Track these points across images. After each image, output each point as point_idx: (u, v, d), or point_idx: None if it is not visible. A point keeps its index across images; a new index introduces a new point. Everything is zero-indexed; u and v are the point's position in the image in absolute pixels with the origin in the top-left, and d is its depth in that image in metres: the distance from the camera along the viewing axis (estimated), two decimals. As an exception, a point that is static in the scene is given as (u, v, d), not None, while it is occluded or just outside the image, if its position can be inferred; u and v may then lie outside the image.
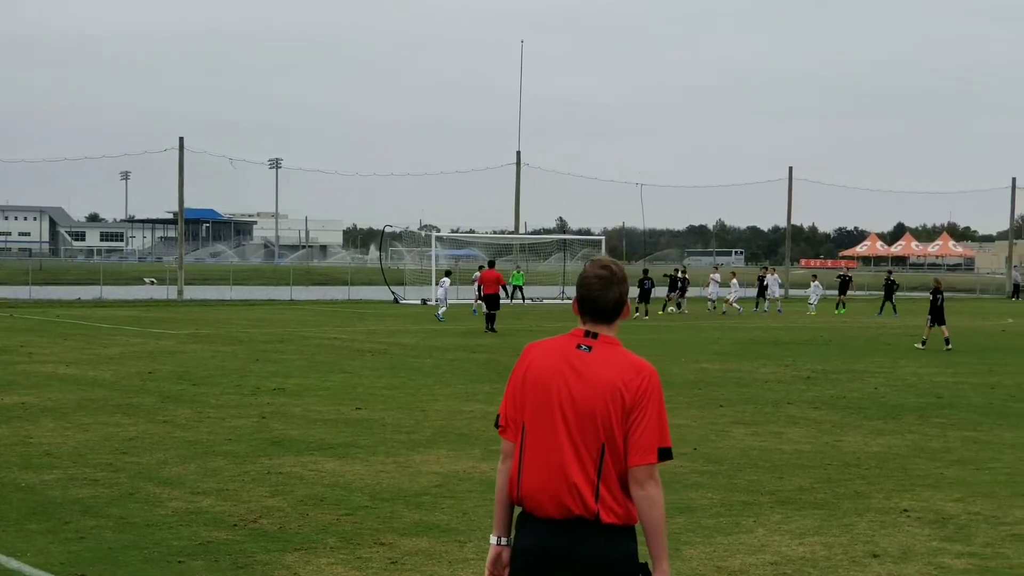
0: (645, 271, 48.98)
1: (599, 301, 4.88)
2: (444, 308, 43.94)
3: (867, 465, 13.70)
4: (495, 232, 78.57)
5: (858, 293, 76.49)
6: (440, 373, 23.58)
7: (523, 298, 61.12)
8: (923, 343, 32.12)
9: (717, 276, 55.40)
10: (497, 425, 5.04)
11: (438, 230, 73.89)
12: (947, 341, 31.91)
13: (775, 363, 26.71)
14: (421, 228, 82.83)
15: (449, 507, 11.21)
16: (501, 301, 39.99)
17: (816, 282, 55.99)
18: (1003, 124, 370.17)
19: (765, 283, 54.96)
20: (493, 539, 5.09)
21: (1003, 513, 11.19)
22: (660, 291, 52.83)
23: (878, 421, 17.41)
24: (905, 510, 11.28)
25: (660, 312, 50.26)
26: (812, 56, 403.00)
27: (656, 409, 4.78)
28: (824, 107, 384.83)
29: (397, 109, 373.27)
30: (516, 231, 70.28)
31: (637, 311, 46.31)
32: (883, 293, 53.92)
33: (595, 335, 4.88)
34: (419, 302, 57.02)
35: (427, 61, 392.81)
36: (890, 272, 58.23)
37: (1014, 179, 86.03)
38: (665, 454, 4.79)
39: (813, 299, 55.29)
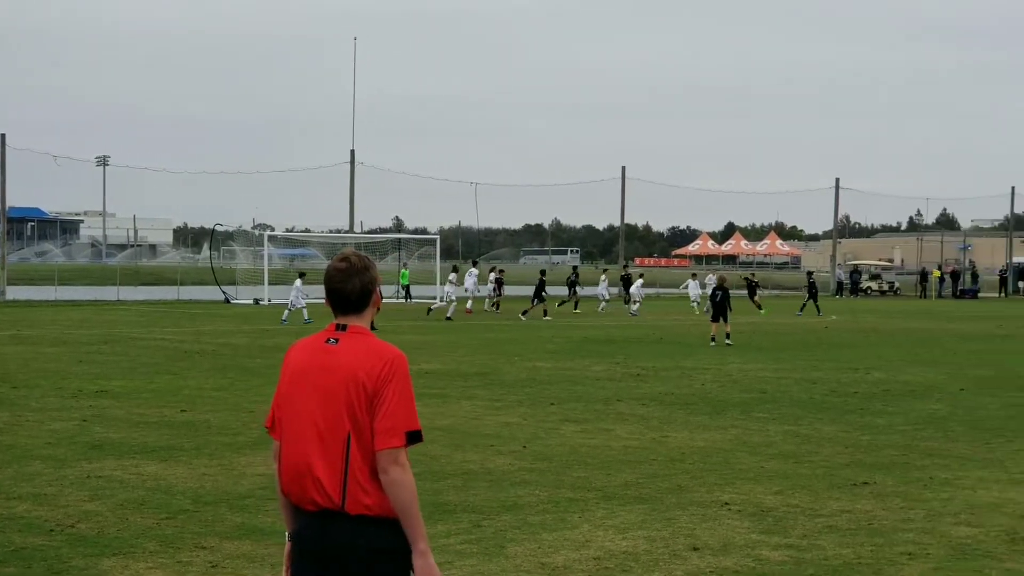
0: (542, 271, 49.97)
1: (341, 292, 5.00)
2: (292, 310, 42.91)
3: (691, 460, 13.93)
4: (330, 231, 77.77)
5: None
6: (270, 373, 23.26)
7: (408, 297, 60.74)
8: (713, 339, 32.88)
9: (604, 278, 55.89)
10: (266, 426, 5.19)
11: (272, 229, 73.05)
12: (727, 336, 32.86)
13: (607, 361, 27.01)
14: (254, 227, 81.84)
15: (273, 510, 11.04)
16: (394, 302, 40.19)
17: (694, 280, 57.18)
18: (828, 126, 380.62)
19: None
20: (286, 536, 5.16)
21: (820, 505, 11.47)
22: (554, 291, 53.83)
23: (703, 417, 17.72)
24: (726, 503, 11.49)
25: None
26: (645, 57, 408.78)
27: (399, 392, 4.83)
28: (657, 108, 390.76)
29: (230, 106, 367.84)
30: (351, 230, 69.80)
31: (546, 313, 46.93)
32: (806, 292, 54.91)
33: (344, 327, 5.00)
34: (251, 302, 56.31)
35: (260, 58, 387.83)
36: (811, 273, 59.10)
37: (838, 180, 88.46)
38: (413, 437, 4.85)
39: (694, 296, 56.36)
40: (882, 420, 17.52)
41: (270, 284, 57.86)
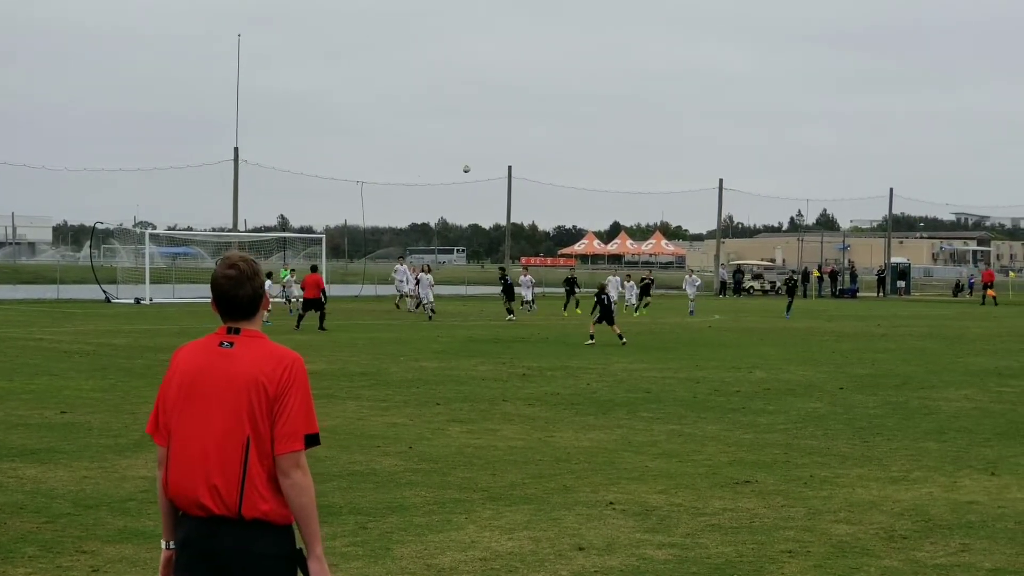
0: (502, 269, 50.81)
1: (233, 300, 4.97)
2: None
3: (577, 460, 14.01)
4: (214, 230, 76.84)
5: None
6: (152, 374, 22.92)
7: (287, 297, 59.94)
8: (591, 338, 33.12)
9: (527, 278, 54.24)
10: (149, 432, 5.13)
11: (154, 227, 71.96)
12: (620, 336, 33.15)
13: (493, 361, 27.05)
14: (136, 225, 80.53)
15: (155, 513, 10.86)
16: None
17: (631, 282, 56.46)
18: (711, 127, 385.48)
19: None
20: (163, 543, 5.11)
21: (703, 504, 11.61)
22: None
23: (589, 416, 17.83)
24: (611, 503, 11.58)
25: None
26: (531, 57, 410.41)
27: (300, 397, 4.82)
28: (543, 109, 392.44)
29: (111, 102, 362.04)
30: (235, 229, 69.03)
31: (510, 312, 46.21)
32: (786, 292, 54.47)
33: (237, 331, 4.97)
34: (132, 301, 55.47)
35: (143, 54, 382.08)
36: (793, 272, 59.86)
37: (721, 180, 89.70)
38: (312, 440, 4.84)
39: (630, 297, 55.83)
40: (764, 419, 17.79)
41: (152, 283, 57.02)
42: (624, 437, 15.86)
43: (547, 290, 75.86)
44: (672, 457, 14.32)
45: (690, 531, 10.47)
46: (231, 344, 4.92)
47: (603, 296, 33.64)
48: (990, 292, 72.18)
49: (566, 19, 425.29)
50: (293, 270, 54.45)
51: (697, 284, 56.95)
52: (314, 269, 41.85)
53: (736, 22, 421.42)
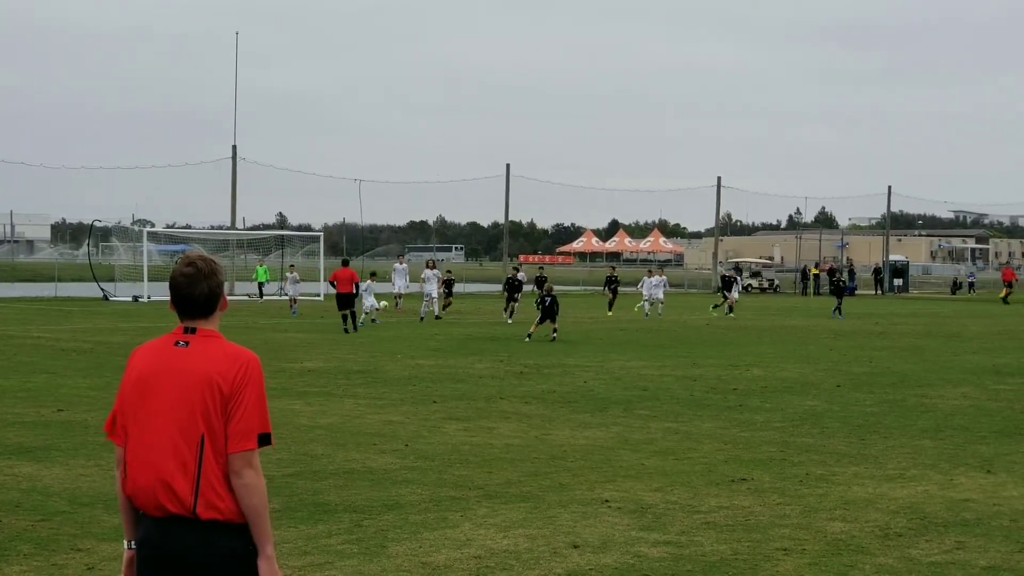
0: (516, 269, 49.26)
1: (188, 299, 4.97)
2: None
3: (573, 457, 14.01)
4: (213, 228, 76.84)
5: (574, 288, 78.28)
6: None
7: (261, 294, 60.00)
8: (529, 336, 33.53)
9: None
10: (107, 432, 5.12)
11: (152, 225, 71.99)
12: (554, 331, 34.05)
13: (490, 359, 27.05)
14: (134, 223, 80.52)
15: (151, 510, 10.90)
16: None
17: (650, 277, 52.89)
18: (710, 124, 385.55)
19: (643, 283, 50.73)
20: (125, 544, 5.12)
21: (699, 502, 11.61)
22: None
23: (585, 414, 17.83)
24: (606, 501, 11.58)
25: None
26: (531, 56, 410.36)
27: (254, 396, 4.82)
28: (542, 106, 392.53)
29: (110, 100, 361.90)
30: (233, 227, 69.02)
31: (507, 311, 44.74)
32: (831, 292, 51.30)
33: (194, 330, 4.97)
34: (130, 299, 55.47)
35: (143, 53, 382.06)
36: (836, 271, 56.64)
37: (719, 178, 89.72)
38: (264, 439, 4.83)
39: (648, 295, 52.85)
40: (760, 417, 17.79)
41: (150, 281, 57.02)
42: (620, 435, 15.86)
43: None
44: (668, 455, 14.32)
45: (685, 529, 10.47)
46: (187, 343, 4.92)
47: (546, 299, 34.74)
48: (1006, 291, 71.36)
49: (564, 17, 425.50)
50: (292, 266, 53.90)
51: (662, 283, 50.91)
52: (345, 263, 39.63)
53: (735, 19, 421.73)
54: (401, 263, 49.47)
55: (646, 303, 49.31)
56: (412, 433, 15.69)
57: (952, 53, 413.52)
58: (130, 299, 55.52)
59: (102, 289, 58.15)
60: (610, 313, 48.59)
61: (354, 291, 37.09)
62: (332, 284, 38.07)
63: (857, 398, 20.30)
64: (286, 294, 51.07)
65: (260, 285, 60.00)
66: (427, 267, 46.34)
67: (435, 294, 44.84)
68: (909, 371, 25.40)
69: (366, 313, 39.75)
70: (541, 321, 34.24)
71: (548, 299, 34.63)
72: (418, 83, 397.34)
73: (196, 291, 4.96)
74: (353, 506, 11.16)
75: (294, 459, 13.51)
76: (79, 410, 17.33)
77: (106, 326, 37.40)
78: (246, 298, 59.11)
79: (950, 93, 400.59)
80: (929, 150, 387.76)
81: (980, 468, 13.62)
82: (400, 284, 48.08)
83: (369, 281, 40.85)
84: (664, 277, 52.74)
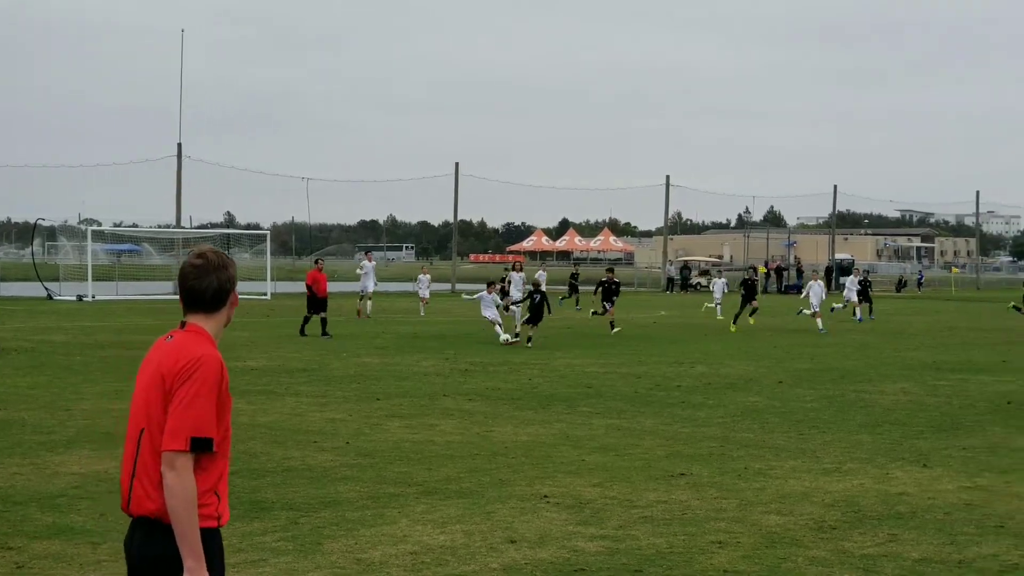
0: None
1: (195, 291, 4.84)
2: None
3: (514, 454, 14.03)
4: (159, 227, 76.35)
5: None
6: (89, 371, 22.77)
7: None
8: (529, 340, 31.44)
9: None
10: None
11: (98, 224, 71.41)
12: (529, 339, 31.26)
13: (436, 356, 27.02)
14: (80, 222, 79.86)
15: (85, 509, 10.83)
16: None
17: (721, 279, 51.34)
18: (659, 123, 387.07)
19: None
20: None
21: (637, 497, 11.65)
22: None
23: (529, 411, 17.85)
24: (545, 496, 11.60)
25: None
26: (480, 55, 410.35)
27: (192, 395, 4.62)
28: (492, 105, 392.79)
29: (54, 96, 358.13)
30: (179, 225, 68.55)
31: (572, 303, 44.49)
32: (860, 292, 47.48)
33: (184, 324, 4.87)
34: (75, 298, 55.00)
35: (85, 46, 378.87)
36: (866, 272, 53.54)
37: (668, 177, 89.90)
38: (199, 444, 4.60)
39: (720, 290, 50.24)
40: (702, 413, 17.88)
41: (95, 280, 56.59)
42: (562, 431, 15.89)
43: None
44: (609, 451, 14.36)
45: (623, 523, 10.51)
46: (172, 337, 4.83)
47: (535, 295, 32.11)
48: None
49: (517, 15, 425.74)
50: None
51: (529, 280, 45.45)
52: (317, 262, 36.73)
53: (685, 19, 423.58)
54: (369, 260, 46.16)
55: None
56: (354, 431, 15.66)
57: (900, 54, 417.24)
58: (74, 298, 55.03)
59: (46, 288, 57.59)
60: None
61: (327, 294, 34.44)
62: (309, 287, 34.39)
63: (798, 394, 20.45)
64: None
65: None
66: (366, 259, 45.23)
67: (371, 289, 43.97)
68: (851, 367, 25.61)
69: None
70: (529, 321, 31.45)
71: (538, 296, 31.72)
72: (367, 81, 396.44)
73: (204, 284, 4.83)
74: (290, 504, 11.11)
75: (232, 457, 13.40)
76: (17, 409, 17.14)
77: (49, 325, 37.03)
78: None
79: (897, 94, 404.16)
80: (876, 150, 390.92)
81: (916, 462, 13.75)
82: (368, 284, 44.21)
83: (518, 274, 40.22)
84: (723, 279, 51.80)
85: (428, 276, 47.99)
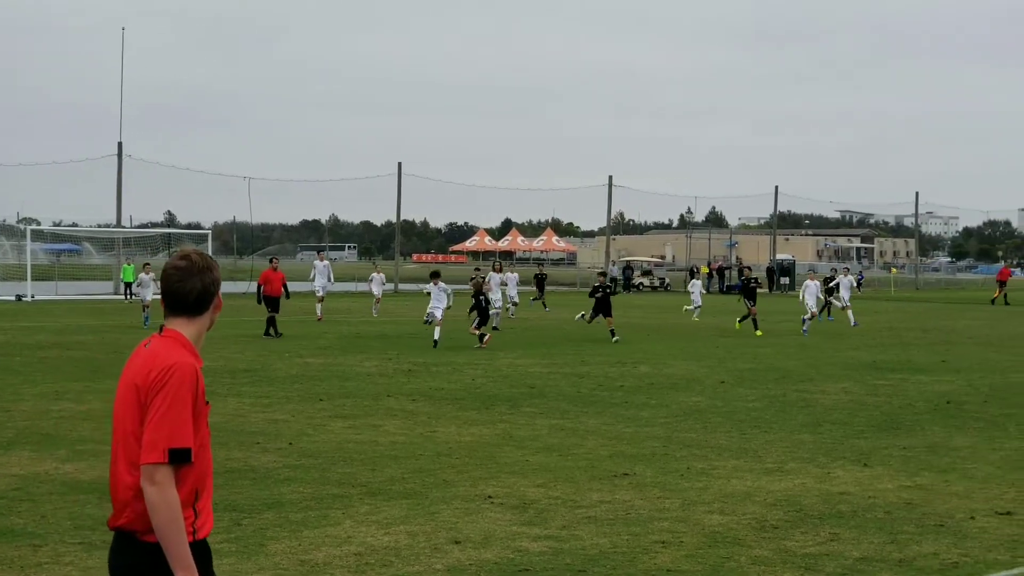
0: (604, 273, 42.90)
1: (178, 293, 4.70)
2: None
3: (458, 454, 14.03)
4: (99, 226, 75.60)
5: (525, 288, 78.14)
6: (29, 371, 22.54)
7: (130, 294, 59.00)
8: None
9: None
10: None
11: (38, 223, 70.69)
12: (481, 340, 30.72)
13: (379, 357, 26.96)
14: (19, 221, 79.04)
15: (26, 511, 10.73)
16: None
17: (814, 281, 46.30)
18: (602, 123, 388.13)
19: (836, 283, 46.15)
20: None
21: (581, 497, 11.69)
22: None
23: (472, 412, 17.86)
24: (489, 497, 11.61)
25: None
26: (423, 53, 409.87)
27: (167, 405, 4.47)
28: (434, 105, 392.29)
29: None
30: (120, 225, 67.93)
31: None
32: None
33: (163, 329, 4.72)
34: (13, 298, 54.42)
35: (24, 44, 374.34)
36: (861, 272, 50.07)
37: (611, 177, 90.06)
38: (178, 455, 4.45)
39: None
40: (645, 413, 17.96)
41: (34, 280, 56.02)
42: (506, 432, 15.91)
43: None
44: (553, 451, 14.40)
45: (566, 523, 10.54)
46: (149, 344, 4.69)
47: (480, 298, 31.89)
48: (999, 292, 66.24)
49: (459, 12, 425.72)
50: (147, 264, 43.49)
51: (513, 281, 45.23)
52: (272, 261, 36.28)
53: (631, 19, 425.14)
54: (321, 260, 45.14)
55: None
56: (297, 431, 15.60)
57: (839, 55, 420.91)
58: (13, 298, 54.45)
59: (-17, 288, 57.01)
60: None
61: (284, 293, 34.31)
62: (259, 287, 34.57)
63: (740, 393, 20.58)
64: (136, 297, 45.29)
65: (127, 285, 58.82)
66: (318, 258, 44.73)
67: (320, 292, 43.37)
68: (792, 367, 25.80)
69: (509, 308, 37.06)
70: (480, 324, 30.95)
71: (483, 298, 31.66)
72: (310, 78, 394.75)
73: (187, 286, 4.68)
74: (233, 505, 11.06)
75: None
76: (-45, 410, 16.94)
77: (-13, 326, 36.60)
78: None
79: (838, 95, 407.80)
80: (817, 151, 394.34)
81: (857, 461, 13.88)
82: (320, 284, 43.54)
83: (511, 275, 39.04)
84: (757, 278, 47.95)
85: (382, 275, 47.17)
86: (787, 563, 9.29)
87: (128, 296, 57.80)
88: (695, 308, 47.51)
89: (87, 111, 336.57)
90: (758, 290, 41.24)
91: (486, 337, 30.85)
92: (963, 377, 23.95)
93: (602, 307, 34.13)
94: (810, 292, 40.60)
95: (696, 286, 49.03)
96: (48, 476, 12.28)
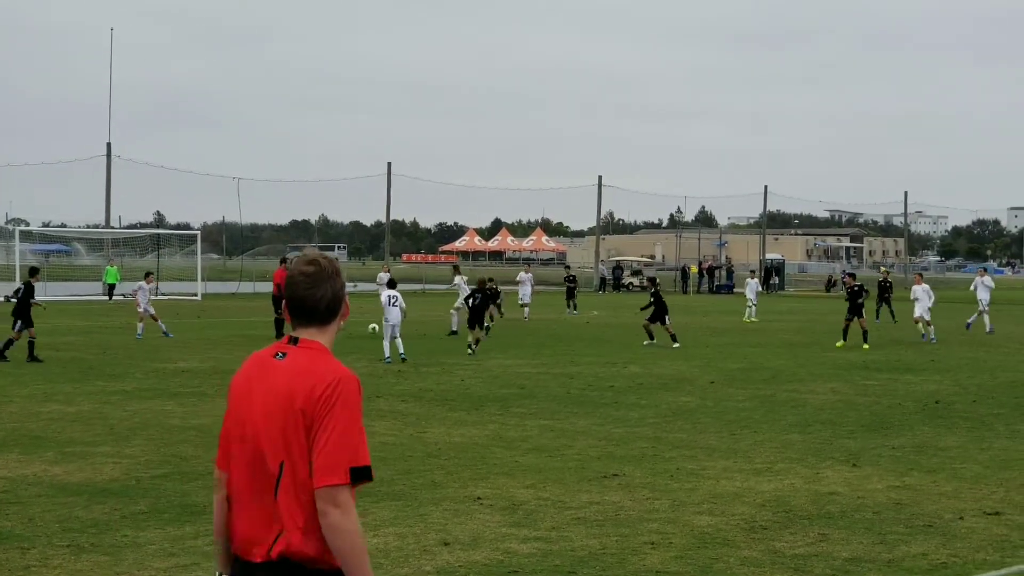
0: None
1: (307, 301, 4.40)
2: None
3: (447, 455, 14.02)
4: (88, 226, 75.44)
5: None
6: (18, 373, 22.48)
7: (110, 296, 58.92)
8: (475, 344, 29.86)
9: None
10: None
11: (26, 223, 70.55)
12: (476, 343, 29.69)
13: (369, 357, 26.91)
14: (8, 221, 78.87)
15: (14, 513, 10.70)
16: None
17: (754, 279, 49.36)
18: (592, 123, 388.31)
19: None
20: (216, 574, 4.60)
21: (570, 498, 11.69)
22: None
23: (462, 412, 17.85)
24: (479, 498, 11.61)
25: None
26: (412, 55, 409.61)
27: (343, 422, 4.18)
28: (424, 106, 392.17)
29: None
30: (108, 225, 67.81)
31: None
32: (876, 294, 44.60)
33: (296, 340, 4.40)
34: (1, 299, 54.28)
35: (12, 44, 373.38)
36: (887, 271, 50.01)
37: (600, 177, 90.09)
38: (359, 474, 4.18)
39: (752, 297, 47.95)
40: (635, 413, 17.96)
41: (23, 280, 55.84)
42: (496, 433, 15.90)
43: (427, 287, 75.62)
44: (542, 452, 14.39)
45: (556, 525, 10.54)
46: (284, 355, 4.33)
47: (476, 296, 30.56)
48: None
49: (451, 13, 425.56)
50: (150, 274, 38.69)
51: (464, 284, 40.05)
52: (283, 262, 35.94)
53: (621, 19, 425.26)
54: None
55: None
56: (286, 433, 15.55)
57: (832, 56, 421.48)
58: (1, 299, 54.33)
59: (-29, 289, 56.88)
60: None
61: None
62: (278, 286, 33.00)
63: (730, 394, 20.60)
64: (121, 299, 45.03)
65: (111, 287, 58.65)
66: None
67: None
68: (782, 367, 25.82)
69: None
70: (472, 325, 29.51)
71: (479, 296, 29.90)
72: (300, 79, 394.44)
73: (319, 293, 4.36)
74: (222, 507, 11.01)
75: (163, 460, 13.35)
76: (-57, 412, 16.89)
77: (-25, 327, 36.46)
78: (120, 298, 58.19)
79: (828, 96, 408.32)
80: (806, 151, 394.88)
81: (846, 462, 13.89)
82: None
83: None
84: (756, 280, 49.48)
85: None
86: (776, 564, 9.30)
87: (111, 297, 57.62)
88: (750, 307, 46.79)
89: (76, 111, 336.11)
90: (862, 300, 33.99)
91: (478, 343, 30.63)
92: (952, 377, 24.01)
93: (659, 311, 32.40)
94: (751, 289, 46.46)
95: (752, 286, 48.33)
96: (36, 478, 12.25)
